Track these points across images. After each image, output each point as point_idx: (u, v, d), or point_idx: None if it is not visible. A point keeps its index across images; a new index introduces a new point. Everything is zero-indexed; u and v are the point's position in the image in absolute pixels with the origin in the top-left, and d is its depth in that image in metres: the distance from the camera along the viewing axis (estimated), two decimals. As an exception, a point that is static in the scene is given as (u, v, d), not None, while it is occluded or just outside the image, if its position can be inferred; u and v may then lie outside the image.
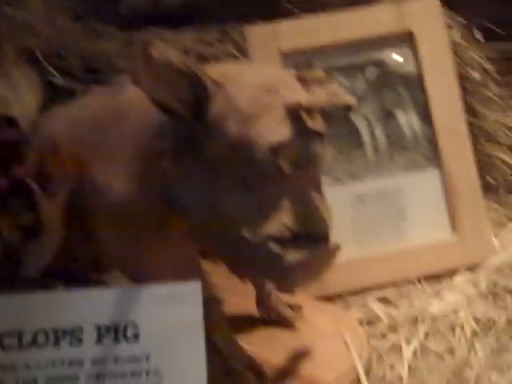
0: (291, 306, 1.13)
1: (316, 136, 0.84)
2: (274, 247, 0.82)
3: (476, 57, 1.44)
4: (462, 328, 1.15)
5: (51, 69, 1.38)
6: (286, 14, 1.35)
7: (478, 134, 1.44)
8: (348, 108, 0.89)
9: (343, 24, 1.32)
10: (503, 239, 1.33)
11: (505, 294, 1.21)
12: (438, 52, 1.32)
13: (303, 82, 0.90)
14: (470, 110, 1.41)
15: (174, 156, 0.87)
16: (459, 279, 1.26)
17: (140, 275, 0.94)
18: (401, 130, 1.32)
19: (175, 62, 0.81)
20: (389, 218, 1.29)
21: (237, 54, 1.33)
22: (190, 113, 0.84)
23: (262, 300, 1.11)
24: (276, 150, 0.81)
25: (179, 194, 0.87)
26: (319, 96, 0.87)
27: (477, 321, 1.16)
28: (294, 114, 0.83)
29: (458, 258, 1.28)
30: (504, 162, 1.45)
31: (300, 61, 1.29)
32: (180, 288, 0.89)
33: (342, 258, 1.20)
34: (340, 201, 1.28)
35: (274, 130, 0.82)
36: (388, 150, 1.31)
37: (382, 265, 1.26)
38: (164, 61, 0.81)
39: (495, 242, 1.31)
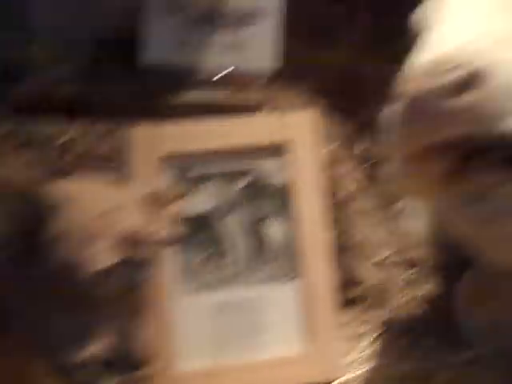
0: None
1: (143, 263, 0.90)
2: (86, 373, 0.87)
3: (349, 170, 1.50)
4: None
5: None
6: (171, 118, 1.39)
7: (346, 248, 1.49)
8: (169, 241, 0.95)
9: (222, 131, 1.37)
10: (353, 357, 1.37)
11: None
12: (309, 165, 1.36)
13: (153, 202, 0.95)
14: (340, 223, 1.47)
15: (9, 267, 0.92)
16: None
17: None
18: (266, 240, 1.36)
19: (15, 180, 0.87)
20: (248, 328, 1.33)
21: (117, 152, 1.36)
22: (26, 230, 0.89)
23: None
24: (101, 276, 0.86)
25: (9, 304, 0.92)
26: (152, 224, 0.93)
27: None
28: (125, 240, 0.88)
29: (308, 375, 1.31)
30: (367, 277, 1.51)
31: (178, 165, 1.35)
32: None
33: (194, 367, 1.28)
34: (199, 309, 1.32)
35: (102, 256, 0.87)
36: (252, 259, 1.35)
37: (232, 377, 1.30)
38: (4, 179, 0.86)
39: (348, 359, 1.36)
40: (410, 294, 1.52)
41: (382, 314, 1.48)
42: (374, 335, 1.41)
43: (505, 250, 1.11)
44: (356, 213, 1.53)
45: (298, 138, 1.37)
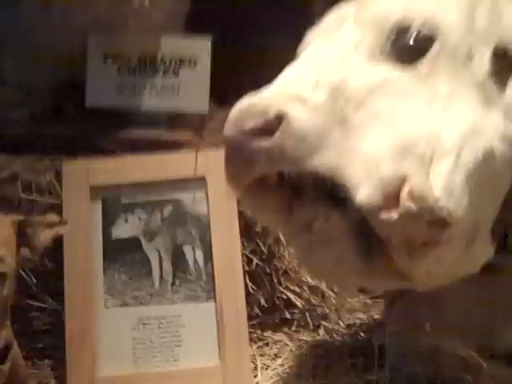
0: None
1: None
2: None
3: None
4: None
5: None
6: (110, 154, 1.54)
7: (278, 272, 1.58)
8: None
9: (148, 166, 1.51)
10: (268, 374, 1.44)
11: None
12: (225, 198, 1.47)
13: (25, 227, 1.11)
14: (269, 252, 1.57)
15: None
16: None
17: None
18: (187, 264, 1.48)
19: None
20: (165, 341, 1.44)
21: (55, 183, 1.52)
22: None
23: None
24: None
25: None
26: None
27: None
28: None
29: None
30: (301, 301, 1.58)
31: (109, 195, 1.49)
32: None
33: (115, 373, 1.41)
34: (124, 322, 1.45)
35: None
36: (173, 281, 1.47)
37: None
38: None
39: (263, 375, 1.44)
40: (344, 319, 1.59)
41: (311, 336, 1.55)
42: (296, 354, 1.49)
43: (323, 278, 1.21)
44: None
45: (218, 173, 1.47)
